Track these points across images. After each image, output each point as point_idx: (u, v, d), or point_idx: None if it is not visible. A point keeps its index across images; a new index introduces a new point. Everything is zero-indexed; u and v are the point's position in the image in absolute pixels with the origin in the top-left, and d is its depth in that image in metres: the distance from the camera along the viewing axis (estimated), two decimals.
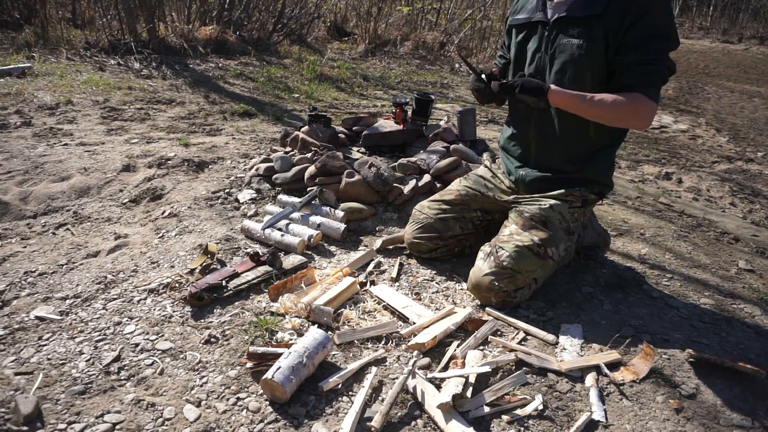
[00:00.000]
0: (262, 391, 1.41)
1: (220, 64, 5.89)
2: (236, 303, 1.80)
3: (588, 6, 1.72)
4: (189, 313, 1.74)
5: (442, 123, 3.06)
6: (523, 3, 1.99)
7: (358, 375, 1.50)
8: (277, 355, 1.46)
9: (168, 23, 6.50)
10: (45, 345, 1.56)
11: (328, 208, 2.39)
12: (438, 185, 2.54)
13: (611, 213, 2.78)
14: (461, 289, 1.97)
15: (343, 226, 2.26)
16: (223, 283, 1.85)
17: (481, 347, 1.64)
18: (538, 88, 1.79)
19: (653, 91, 1.71)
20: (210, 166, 3.00)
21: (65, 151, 3.12)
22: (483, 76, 1.92)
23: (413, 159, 2.72)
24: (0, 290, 1.83)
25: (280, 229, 2.24)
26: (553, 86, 1.79)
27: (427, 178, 2.59)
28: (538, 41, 1.88)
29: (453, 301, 1.90)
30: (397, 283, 1.98)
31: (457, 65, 7.61)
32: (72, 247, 2.17)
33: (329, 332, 1.66)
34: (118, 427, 1.30)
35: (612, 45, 1.71)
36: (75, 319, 1.68)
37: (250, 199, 2.59)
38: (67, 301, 1.78)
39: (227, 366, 1.51)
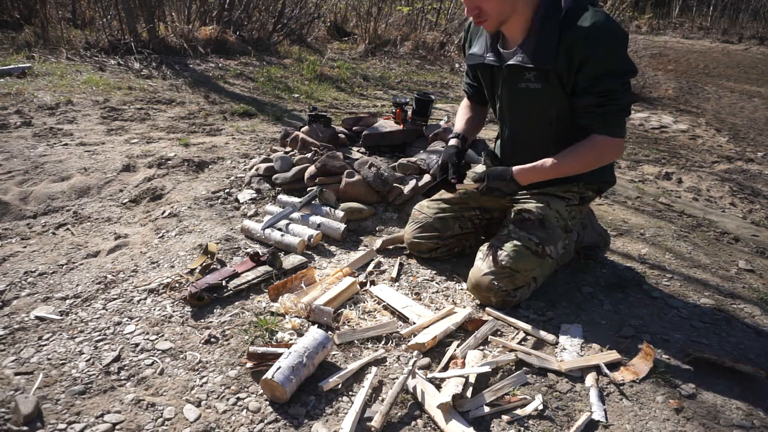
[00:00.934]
0: (262, 391, 1.41)
1: (220, 64, 5.89)
2: (236, 303, 1.80)
3: (537, 58, 1.68)
4: (189, 313, 1.74)
5: (442, 123, 3.06)
6: (473, 34, 1.95)
7: (358, 375, 1.50)
8: (277, 355, 1.46)
9: (168, 23, 6.50)
10: (45, 345, 1.56)
11: (328, 208, 2.39)
12: None
13: (611, 213, 2.78)
14: (461, 289, 1.97)
15: (343, 226, 2.26)
16: (223, 283, 1.85)
17: (481, 347, 1.64)
18: (502, 177, 1.80)
19: (613, 129, 1.70)
20: (210, 166, 3.00)
21: (65, 151, 3.12)
22: (452, 176, 1.91)
23: (413, 159, 2.72)
24: (0, 290, 1.83)
25: (280, 229, 2.24)
26: (515, 169, 1.80)
27: (427, 178, 2.59)
28: (499, 84, 1.88)
29: (453, 301, 1.90)
30: (397, 283, 1.98)
31: (457, 65, 7.61)
32: (72, 247, 2.17)
33: (329, 332, 1.66)
34: (118, 427, 1.30)
35: (567, 84, 1.70)
36: (75, 319, 1.68)
37: (250, 199, 2.59)
38: (67, 301, 1.78)
39: (227, 366, 1.51)
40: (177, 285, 1.86)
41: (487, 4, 1.63)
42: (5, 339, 1.58)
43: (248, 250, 2.14)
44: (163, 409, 1.35)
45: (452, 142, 2.01)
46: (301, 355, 1.43)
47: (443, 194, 2.16)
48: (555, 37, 1.62)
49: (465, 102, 2.20)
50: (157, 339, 1.61)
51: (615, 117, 1.69)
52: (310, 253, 2.16)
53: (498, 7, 1.64)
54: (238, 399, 1.40)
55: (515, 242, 1.81)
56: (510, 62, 1.75)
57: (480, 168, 2.22)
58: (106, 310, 1.74)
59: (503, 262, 1.78)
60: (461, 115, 2.14)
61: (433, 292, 1.93)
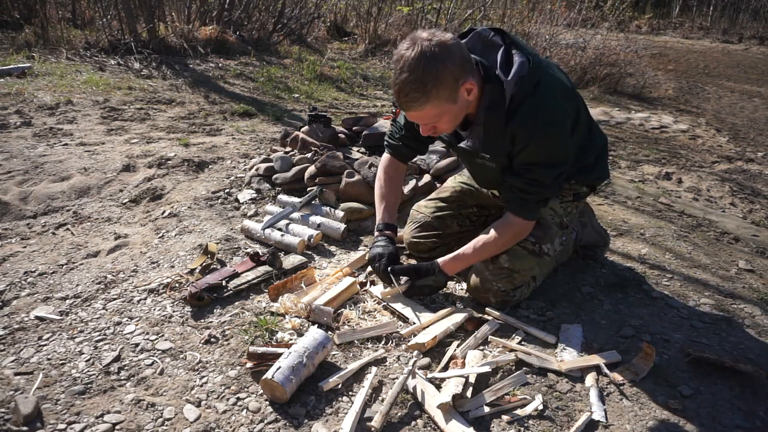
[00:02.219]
0: (262, 391, 1.41)
1: (220, 64, 5.89)
2: (236, 303, 1.80)
3: (486, 150, 1.67)
4: (189, 313, 1.74)
5: None
6: None
7: (358, 375, 1.50)
8: (277, 355, 1.46)
9: (168, 23, 6.50)
10: (45, 345, 1.56)
11: (328, 208, 2.39)
12: (438, 185, 2.54)
13: (611, 213, 2.78)
14: (461, 289, 1.97)
15: (343, 226, 2.26)
16: (223, 283, 1.85)
17: (481, 347, 1.64)
18: (429, 271, 1.80)
19: (529, 214, 1.73)
20: (210, 166, 3.00)
21: (65, 151, 3.12)
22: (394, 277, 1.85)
23: (413, 159, 2.71)
24: (0, 290, 1.83)
25: (280, 229, 2.24)
26: (441, 261, 1.79)
27: (427, 178, 2.59)
28: (456, 151, 1.87)
29: (453, 301, 1.90)
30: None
31: None
32: (72, 247, 2.17)
33: (329, 332, 1.66)
34: (118, 427, 1.30)
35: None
36: (75, 319, 1.68)
37: (250, 199, 2.59)
38: (67, 301, 1.78)
39: (227, 366, 1.51)
40: (177, 285, 1.86)
41: (441, 124, 1.59)
42: (5, 339, 1.58)
43: (248, 250, 2.14)
44: (163, 409, 1.35)
45: (383, 239, 1.90)
46: (301, 355, 1.43)
47: (441, 193, 2.16)
48: (501, 128, 1.59)
49: (386, 162, 2.01)
50: (157, 339, 1.61)
51: (532, 204, 1.71)
52: (310, 253, 2.16)
53: (451, 123, 1.60)
54: (238, 399, 1.40)
55: None
56: (461, 145, 1.74)
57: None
58: (106, 310, 1.74)
59: (501, 263, 1.78)
60: (382, 190, 1.99)
61: None
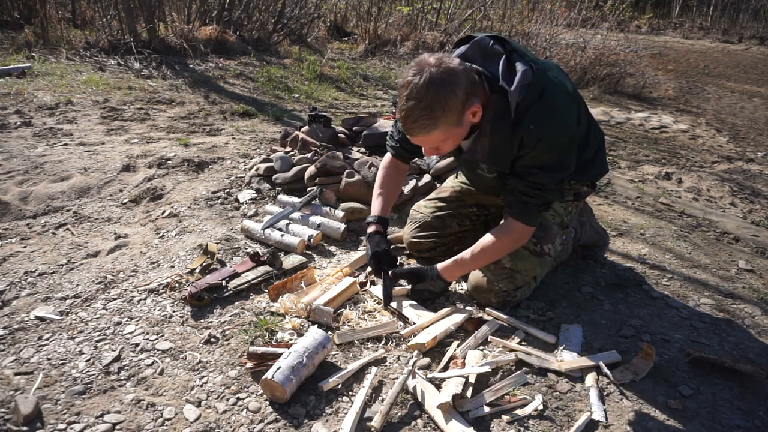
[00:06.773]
0: (262, 391, 1.41)
1: (220, 64, 5.89)
2: (236, 303, 1.80)
3: (492, 161, 1.66)
4: (189, 313, 1.74)
5: None
6: None
7: (358, 375, 1.50)
8: (277, 355, 1.46)
9: (168, 23, 6.50)
10: (45, 345, 1.56)
11: (328, 208, 2.39)
12: (438, 185, 2.54)
13: (611, 213, 2.78)
14: (461, 289, 1.97)
15: (343, 226, 2.26)
16: (223, 283, 1.85)
17: (481, 347, 1.64)
18: (426, 275, 1.79)
19: (530, 219, 1.70)
20: (210, 166, 3.00)
21: (65, 151, 3.12)
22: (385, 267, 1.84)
23: (413, 159, 2.71)
24: (0, 290, 1.83)
25: (280, 229, 2.24)
26: (440, 267, 1.78)
27: (427, 178, 2.59)
28: (459, 161, 1.86)
29: (453, 301, 1.90)
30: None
31: None
32: (72, 247, 2.17)
33: (329, 332, 1.66)
34: (118, 427, 1.30)
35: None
36: (75, 319, 1.68)
37: (250, 199, 2.59)
38: (67, 301, 1.78)
39: (227, 366, 1.51)
40: (177, 285, 1.86)
41: (444, 147, 1.57)
42: (5, 339, 1.58)
43: (248, 250, 2.14)
44: (163, 409, 1.35)
45: (372, 229, 1.91)
46: (301, 355, 1.43)
47: (440, 193, 2.16)
48: (507, 137, 1.56)
49: (387, 161, 2.00)
50: (157, 339, 1.61)
51: (532, 208, 1.68)
52: (310, 253, 2.16)
53: (455, 144, 1.57)
54: (238, 399, 1.40)
55: None
56: (465, 156, 1.73)
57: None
58: (106, 310, 1.74)
59: (503, 263, 1.78)
60: (379, 185, 1.98)
61: None
